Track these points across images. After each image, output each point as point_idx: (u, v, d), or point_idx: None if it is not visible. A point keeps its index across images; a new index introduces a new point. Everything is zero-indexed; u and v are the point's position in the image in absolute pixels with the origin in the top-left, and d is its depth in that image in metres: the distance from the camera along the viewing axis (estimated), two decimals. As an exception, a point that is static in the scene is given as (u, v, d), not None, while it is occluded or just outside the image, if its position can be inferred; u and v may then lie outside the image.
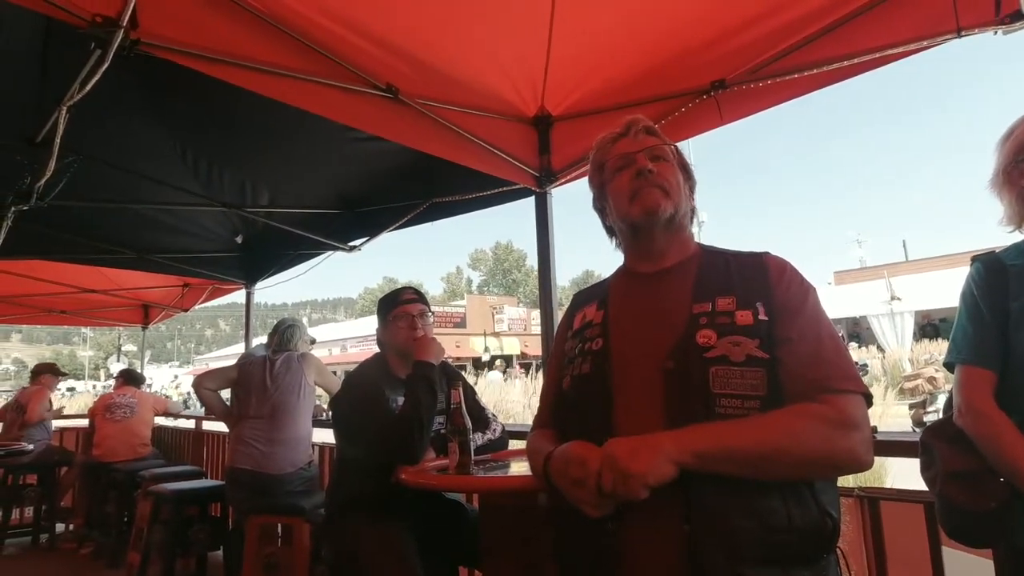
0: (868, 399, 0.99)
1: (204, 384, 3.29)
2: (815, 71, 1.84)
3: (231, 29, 1.71)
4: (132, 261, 4.34)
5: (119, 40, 1.38)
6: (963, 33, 1.59)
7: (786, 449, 0.91)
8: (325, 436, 3.08)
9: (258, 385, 3.11)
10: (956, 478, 1.19)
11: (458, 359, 27.87)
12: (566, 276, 65.01)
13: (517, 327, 33.27)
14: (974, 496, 1.16)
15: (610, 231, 1.27)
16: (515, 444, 2.17)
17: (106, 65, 1.41)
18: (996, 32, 1.55)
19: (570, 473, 0.96)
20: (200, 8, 1.63)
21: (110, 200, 3.36)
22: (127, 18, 1.38)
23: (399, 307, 2.08)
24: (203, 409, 3.86)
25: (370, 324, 2.84)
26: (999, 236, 1.33)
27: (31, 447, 4.75)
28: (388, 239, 3.78)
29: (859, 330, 22.27)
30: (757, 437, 0.92)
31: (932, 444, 1.26)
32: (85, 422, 5.12)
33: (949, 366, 1.29)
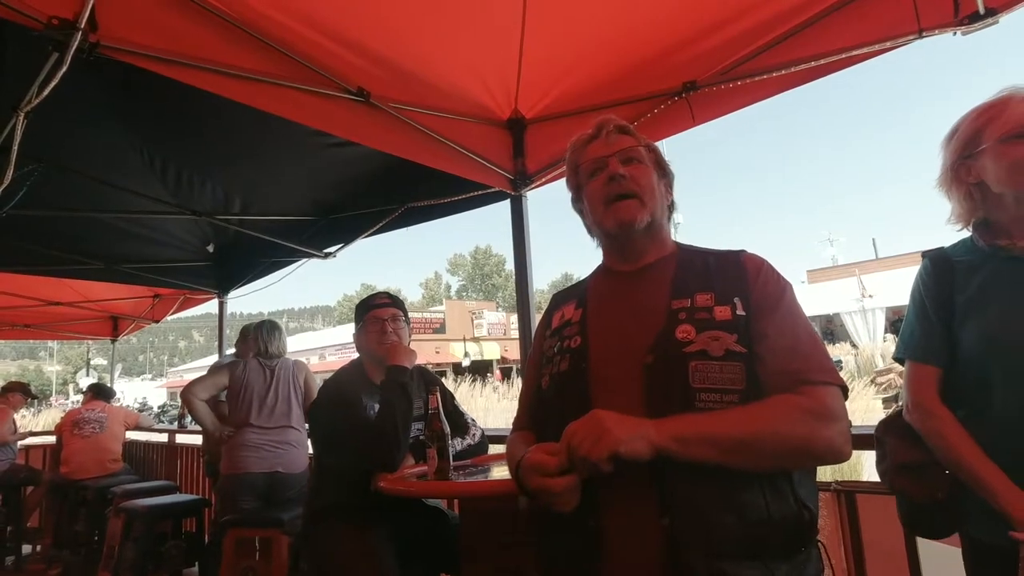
0: (844, 391, 1.00)
1: (197, 394, 3.14)
2: (783, 72, 1.88)
3: (196, 32, 1.67)
4: (99, 272, 4.22)
5: (77, 43, 1.33)
6: (924, 34, 1.63)
7: (767, 438, 0.92)
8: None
9: (260, 392, 3.13)
10: (904, 470, 1.23)
11: (438, 365, 27.72)
12: (545, 279, 65.38)
13: (496, 331, 33.23)
14: (922, 487, 1.20)
15: (590, 230, 1.27)
16: (495, 448, 2.15)
17: (64, 69, 1.36)
18: (955, 33, 1.60)
19: (531, 459, 0.98)
20: (163, 11, 1.60)
21: (75, 209, 3.27)
22: (85, 20, 1.34)
23: (371, 311, 2.06)
24: (187, 421, 3.78)
25: (348, 332, 2.84)
26: (964, 233, 1.35)
27: (-7, 466, 4.59)
28: (366, 245, 3.80)
29: (832, 327, 22.73)
30: (738, 425, 0.93)
31: (884, 438, 1.30)
32: (52, 439, 4.95)
33: (900, 361, 1.32)
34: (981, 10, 1.53)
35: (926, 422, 1.20)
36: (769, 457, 0.93)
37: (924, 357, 1.24)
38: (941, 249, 1.31)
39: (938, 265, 1.27)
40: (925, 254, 1.32)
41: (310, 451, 3.21)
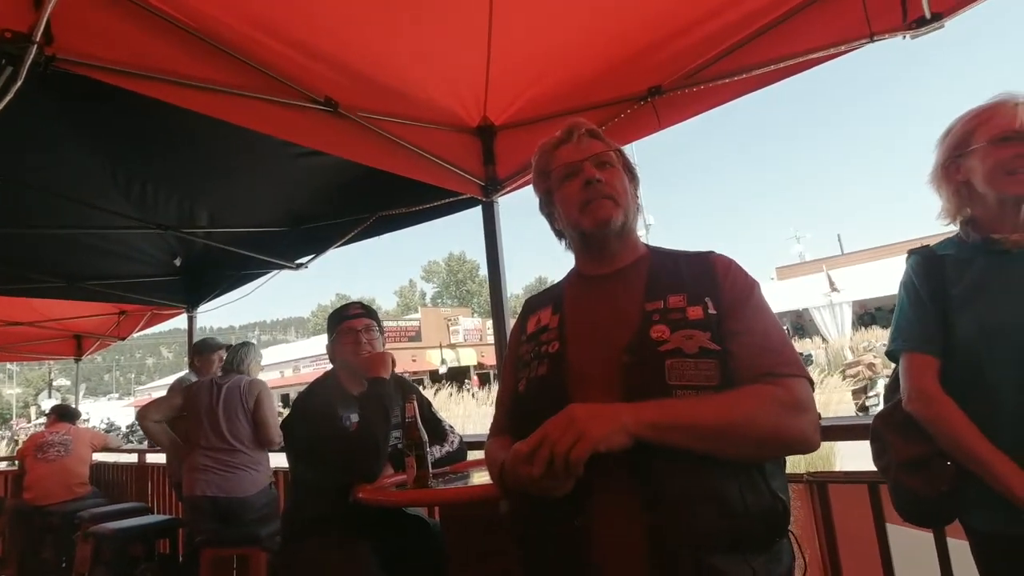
0: (811, 383, 1.04)
1: (150, 416, 3.18)
2: (743, 76, 1.93)
3: (157, 45, 1.64)
4: (61, 290, 4.09)
5: (32, 56, 1.30)
6: (875, 38, 1.70)
7: (740, 425, 0.94)
8: (282, 460, 2.98)
9: (208, 411, 3.03)
10: (909, 467, 1.24)
11: (415, 373, 27.50)
12: (519, 283, 65.45)
13: (473, 338, 33.13)
14: (927, 482, 1.21)
15: (559, 234, 1.28)
16: (474, 455, 2.15)
17: (19, 83, 1.32)
18: (905, 37, 1.67)
19: (519, 450, 0.94)
20: (122, 23, 1.56)
21: (33, 225, 3.17)
22: (40, 33, 1.30)
23: (344, 322, 2.04)
24: (146, 442, 3.70)
25: (323, 343, 2.77)
26: (927, 227, 1.40)
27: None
28: (340, 254, 3.75)
29: (802, 322, 23.22)
30: (713, 412, 0.95)
31: (883, 432, 1.31)
32: (8, 464, 4.77)
33: (892, 355, 1.33)
34: (927, 15, 1.60)
35: (930, 409, 1.21)
36: (743, 444, 0.95)
37: (923, 347, 1.26)
38: (927, 246, 1.35)
39: (928, 259, 1.31)
40: (912, 251, 1.35)
41: (265, 472, 3.12)
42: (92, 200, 2.94)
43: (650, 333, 1.03)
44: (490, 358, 29.76)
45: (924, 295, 1.28)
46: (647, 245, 1.24)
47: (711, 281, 1.09)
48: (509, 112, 2.49)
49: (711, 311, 1.04)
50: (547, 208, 1.27)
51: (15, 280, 3.83)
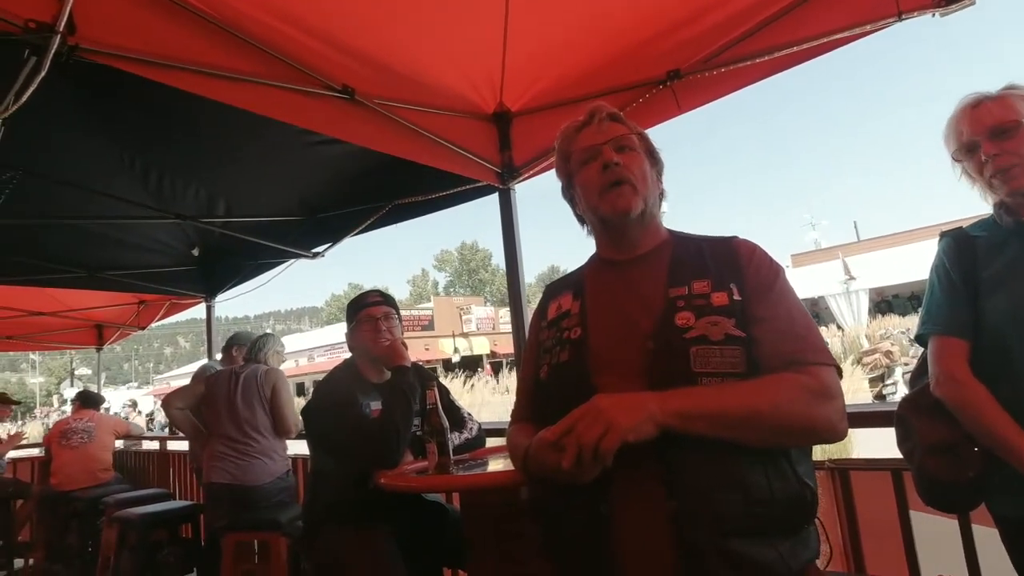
0: (839, 371, 1.02)
1: (174, 404, 3.28)
2: (765, 58, 1.90)
3: (177, 33, 1.65)
4: (82, 280, 4.16)
5: (56, 46, 1.31)
6: (903, 16, 1.66)
7: (767, 413, 0.94)
8: (300, 448, 3.01)
9: (225, 400, 3.07)
10: (935, 451, 1.22)
11: (428, 362, 27.65)
12: (531, 272, 65.28)
13: (485, 326, 33.21)
14: (953, 468, 1.20)
15: (581, 219, 1.27)
16: (492, 442, 2.16)
17: (43, 73, 1.33)
18: (934, 15, 1.62)
19: (544, 438, 0.94)
20: (142, 11, 1.57)
21: (54, 216, 3.21)
22: (63, 23, 1.31)
23: (364, 310, 2.05)
24: (166, 429, 3.78)
25: (337, 332, 2.79)
26: (947, 213, 1.38)
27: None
28: (352, 244, 3.74)
29: (817, 310, 22.96)
30: (739, 400, 0.94)
31: (908, 417, 1.29)
32: (40, 451, 4.88)
33: (921, 338, 1.31)
34: (957, -9, 1.55)
35: (959, 394, 1.19)
36: (769, 432, 0.95)
37: (953, 330, 1.24)
38: (960, 228, 1.33)
39: (960, 242, 1.29)
40: (945, 233, 1.33)
41: (282, 460, 3.14)
42: (111, 191, 2.96)
43: (675, 320, 1.02)
44: (503, 347, 29.84)
45: (956, 278, 1.26)
46: (669, 230, 1.23)
47: (735, 267, 1.08)
48: (526, 98, 2.46)
49: (736, 297, 1.03)
50: (568, 192, 1.26)
51: (37, 271, 3.89)
